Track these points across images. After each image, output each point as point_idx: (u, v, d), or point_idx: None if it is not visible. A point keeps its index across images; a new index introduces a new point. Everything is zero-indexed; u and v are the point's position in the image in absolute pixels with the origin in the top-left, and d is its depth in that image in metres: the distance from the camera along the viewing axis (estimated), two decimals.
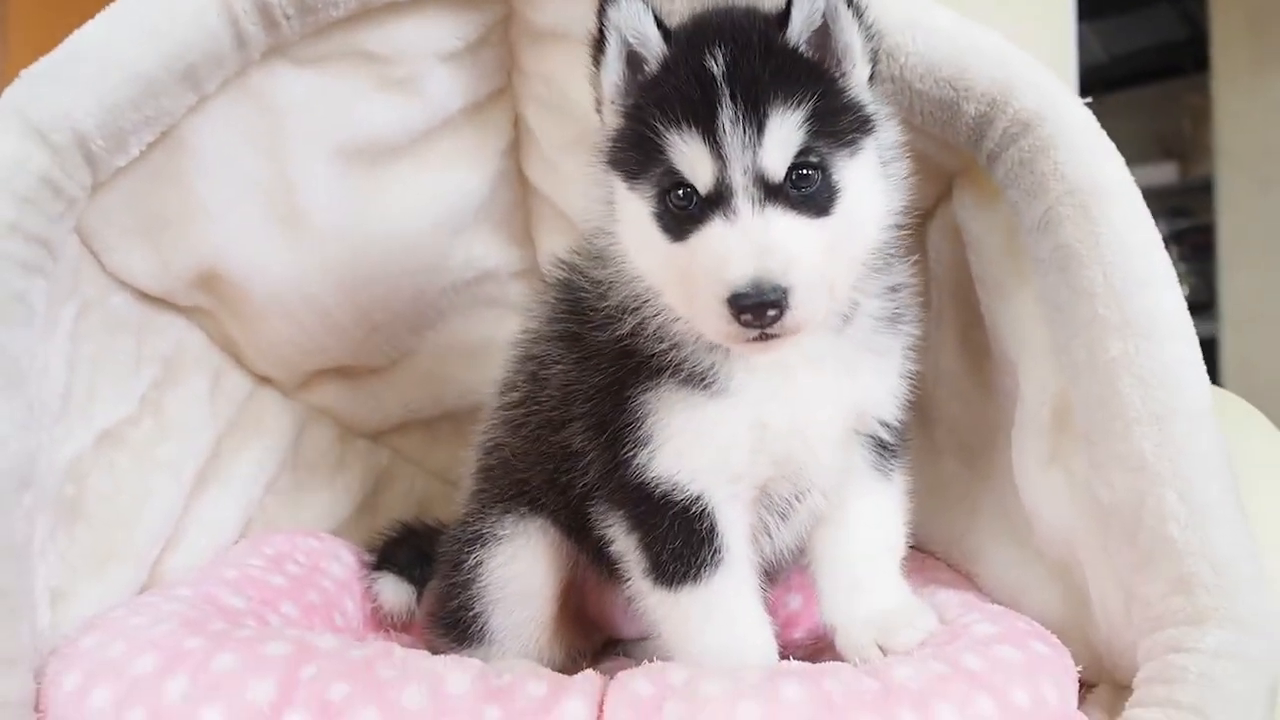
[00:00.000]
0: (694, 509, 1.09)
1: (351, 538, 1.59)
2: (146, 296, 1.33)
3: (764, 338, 0.96)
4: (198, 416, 1.39)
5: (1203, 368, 1.09)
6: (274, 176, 1.34)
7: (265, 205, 1.36)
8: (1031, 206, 1.18)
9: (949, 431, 1.45)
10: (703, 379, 1.07)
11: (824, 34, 1.06)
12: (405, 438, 1.74)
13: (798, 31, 1.04)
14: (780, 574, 1.28)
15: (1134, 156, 1.15)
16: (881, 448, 1.19)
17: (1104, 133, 1.15)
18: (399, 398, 1.67)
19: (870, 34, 1.09)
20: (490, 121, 1.52)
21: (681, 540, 1.09)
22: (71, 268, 1.19)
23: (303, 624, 1.24)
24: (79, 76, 1.11)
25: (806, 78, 1.02)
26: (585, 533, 1.22)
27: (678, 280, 1.02)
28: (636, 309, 1.10)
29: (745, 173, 0.98)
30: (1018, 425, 1.26)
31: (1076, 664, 1.14)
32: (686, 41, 1.05)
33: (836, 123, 1.03)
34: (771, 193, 0.99)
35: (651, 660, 0.99)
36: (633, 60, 1.07)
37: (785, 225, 0.98)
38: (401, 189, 1.46)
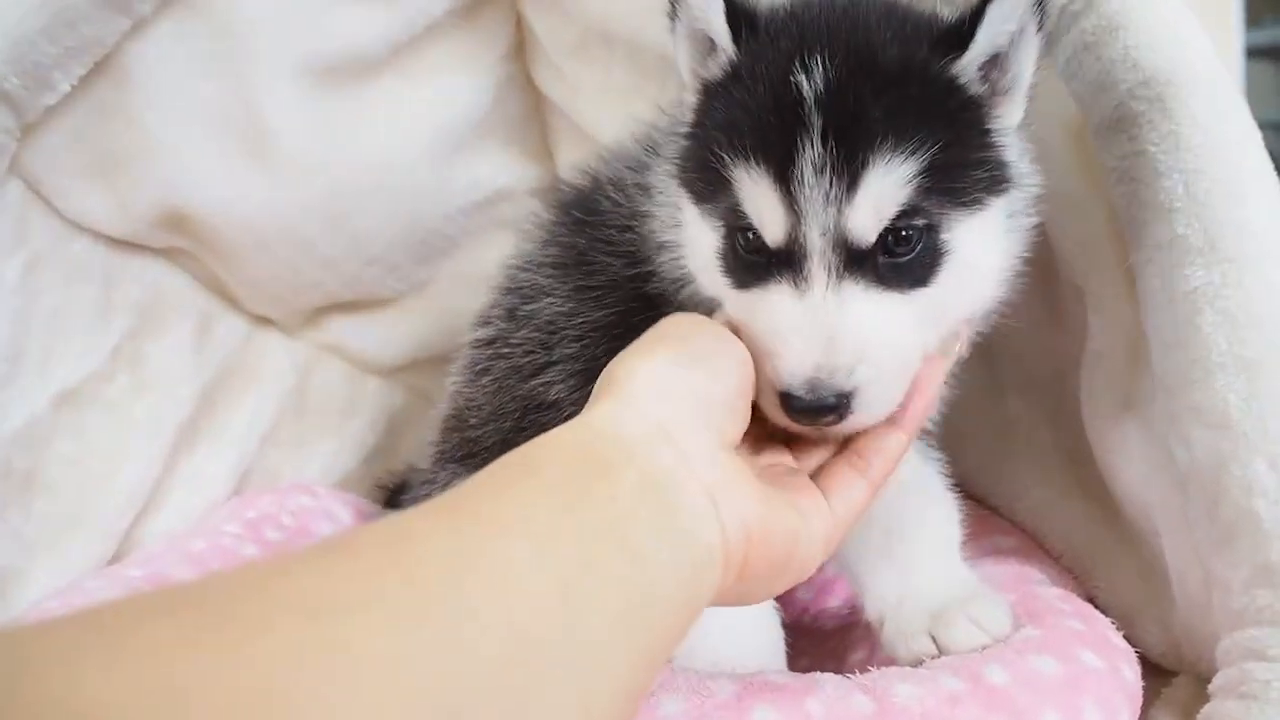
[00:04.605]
0: None
1: (364, 487, 1.50)
2: (114, 241, 1.23)
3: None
4: (182, 367, 1.30)
5: None
6: (234, 103, 1.21)
7: (226, 135, 1.23)
8: (1099, 102, 0.96)
9: (1014, 365, 1.24)
10: None
11: (991, 62, 0.81)
12: (420, 375, 1.61)
13: (970, 59, 0.79)
14: None
15: None
16: None
17: (1185, 11, 0.92)
18: (411, 332, 1.54)
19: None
20: (485, 25, 1.35)
21: None
22: (15, 218, 1.09)
23: None
24: None
25: (936, 117, 0.78)
26: None
27: (741, 323, 0.82)
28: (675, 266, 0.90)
29: (824, 234, 0.76)
30: (1086, 365, 1.06)
31: (1154, 650, 0.98)
32: (774, 39, 0.79)
33: (962, 178, 0.79)
34: (855, 261, 0.77)
35: None
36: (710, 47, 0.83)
37: (863, 309, 0.77)
38: (386, 107, 1.31)
